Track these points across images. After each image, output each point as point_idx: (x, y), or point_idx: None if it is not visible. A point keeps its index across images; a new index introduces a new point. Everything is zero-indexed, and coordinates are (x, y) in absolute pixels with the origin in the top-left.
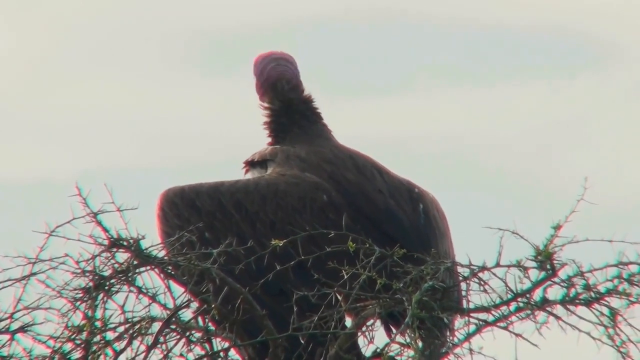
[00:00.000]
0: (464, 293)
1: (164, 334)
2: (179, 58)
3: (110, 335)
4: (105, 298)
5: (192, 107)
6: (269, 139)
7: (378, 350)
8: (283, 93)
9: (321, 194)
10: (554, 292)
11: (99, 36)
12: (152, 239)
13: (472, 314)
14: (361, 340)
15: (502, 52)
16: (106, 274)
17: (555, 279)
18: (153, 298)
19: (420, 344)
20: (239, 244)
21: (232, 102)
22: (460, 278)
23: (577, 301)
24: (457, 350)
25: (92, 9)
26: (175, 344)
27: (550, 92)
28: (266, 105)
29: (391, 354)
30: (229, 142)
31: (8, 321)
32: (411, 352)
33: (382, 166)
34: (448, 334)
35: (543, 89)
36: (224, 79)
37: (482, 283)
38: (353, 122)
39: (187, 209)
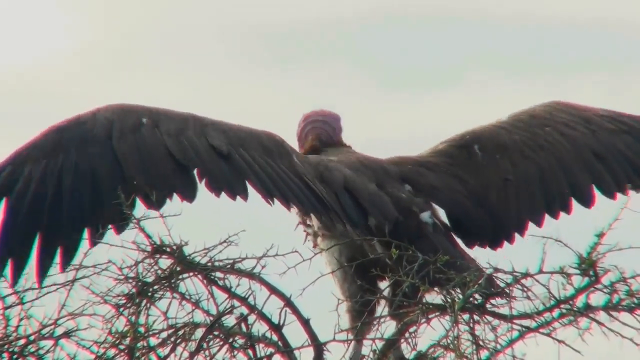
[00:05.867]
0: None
1: (207, 340)
2: (234, 56)
3: (153, 341)
4: (148, 304)
5: (240, 108)
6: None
7: (421, 353)
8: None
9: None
10: (597, 299)
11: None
12: (195, 245)
13: (515, 321)
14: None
15: (560, 45)
16: (149, 280)
17: (598, 285)
18: (196, 304)
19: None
20: None
21: (285, 99)
22: (503, 285)
23: (620, 307)
24: (500, 356)
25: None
26: (219, 350)
27: (606, 88)
28: None
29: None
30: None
31: (52, 327)
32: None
33: (424, 162)
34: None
35: (600, 84)
36: (280, 77)
37: (525, 289)
38: (405, 116)
39: None
